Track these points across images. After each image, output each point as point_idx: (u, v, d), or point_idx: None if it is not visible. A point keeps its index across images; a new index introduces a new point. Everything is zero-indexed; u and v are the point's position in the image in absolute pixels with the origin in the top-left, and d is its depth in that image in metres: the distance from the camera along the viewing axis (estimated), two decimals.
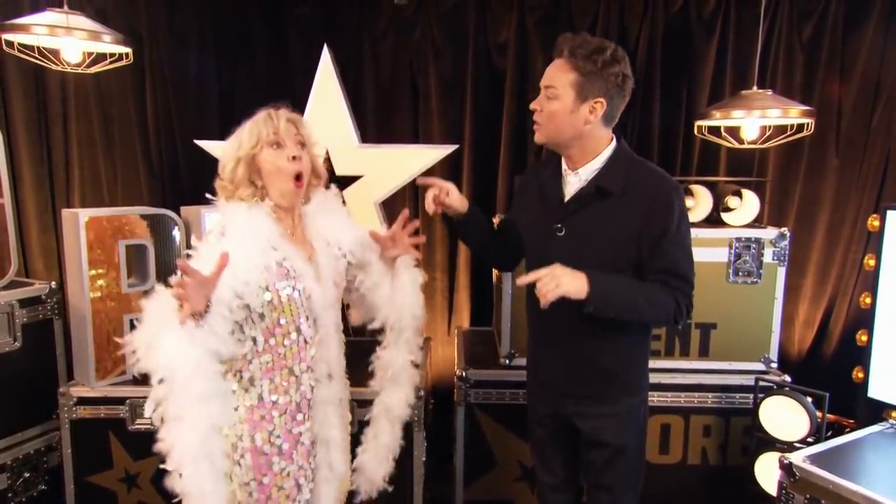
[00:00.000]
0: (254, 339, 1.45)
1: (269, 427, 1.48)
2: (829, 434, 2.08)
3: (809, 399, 2.10)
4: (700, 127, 2.59)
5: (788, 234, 2.35)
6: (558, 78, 1.51)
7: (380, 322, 1.68)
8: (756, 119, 2.44)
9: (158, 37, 2.89)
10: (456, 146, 2.58)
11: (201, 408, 1.29)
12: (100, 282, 2.19)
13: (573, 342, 1.62)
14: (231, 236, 1.40)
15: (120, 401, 2.24)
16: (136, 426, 2.24)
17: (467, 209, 1.68)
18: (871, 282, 2.04)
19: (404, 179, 2.54)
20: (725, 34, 2.86)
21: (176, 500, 1.33)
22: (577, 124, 1.52)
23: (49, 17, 2.09)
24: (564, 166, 1.62)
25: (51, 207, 2.96)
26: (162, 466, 1.30)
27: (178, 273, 1.24)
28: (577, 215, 1.57)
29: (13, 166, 2.82)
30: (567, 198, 1.59)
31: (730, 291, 2.35)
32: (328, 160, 2.53)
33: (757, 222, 2.49)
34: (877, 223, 2.03)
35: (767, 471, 2.17)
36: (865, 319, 2.06)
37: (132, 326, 2.25)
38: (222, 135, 2.92)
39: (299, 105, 2.52)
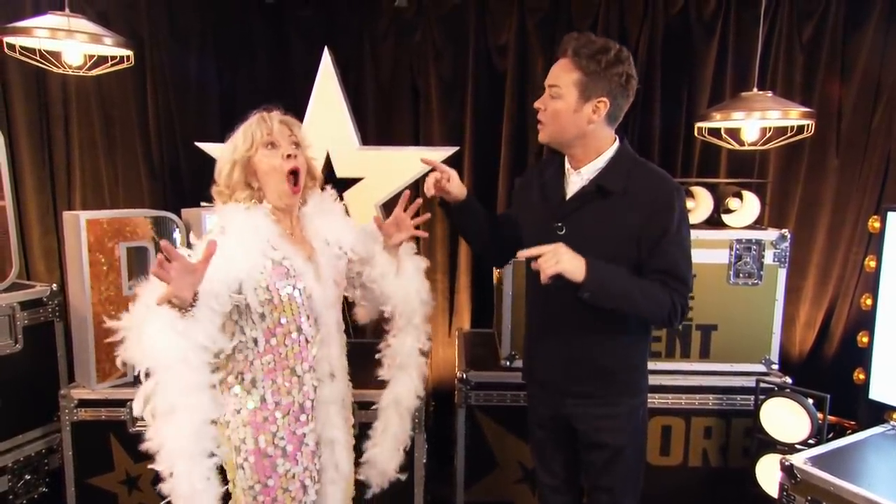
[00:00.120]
0: (255, 340, 1.45)
1: (273, 429, 1.47)
2: (830, 436, 2.08)
3: (810, 401, 2.10)
4: (700, 128, 2.59)
5: (789, 236, 2.35)
6: (562, 77, 1.52)
7: (389, 310, 1.69)
8: (756, 120, 2.44)
9: (159, 39, 2.90)
10: (456, 148, 2.59)
11: (190, 400, 1.27)
12: (101, 284, 2.19)
13: (571, 338, 1.62)
14: (230, 234, 1.40)
15: (121, 403, 2.24)
16: (137, 428, 2.24)
17: (465, 196, 1.69)
18: (871, 283, 2.04)
19: (405, 181, 2.54)
20: (725, 35, 2.86)
21: (165, 500, 1.30)
22: (580, 123, 1.52)
23: (50, 19, 2.10)
24: (567, 165, 1.63)
25: (52, 210, 2.96)
26: (151, 467, 1.28)
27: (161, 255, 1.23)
28: (577, 214, 1.57)
29: (15, 169, 2.82)
30: (568, 196, 1.60)
31: (730, 293, 2.35)
32: (328, 162, 2.53)
33: (757, 224, 2.49)
34: (877, 224, 2.03)
35: (768, 473, 2.17)
36: (866, 321, 2.06)
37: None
38: (223, 137, 2.92)
39: (300, 107, 2.55)
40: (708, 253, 2.33)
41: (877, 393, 2.03)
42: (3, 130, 2.49)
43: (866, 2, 2.78)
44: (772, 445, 2.18)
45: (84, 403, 2.25)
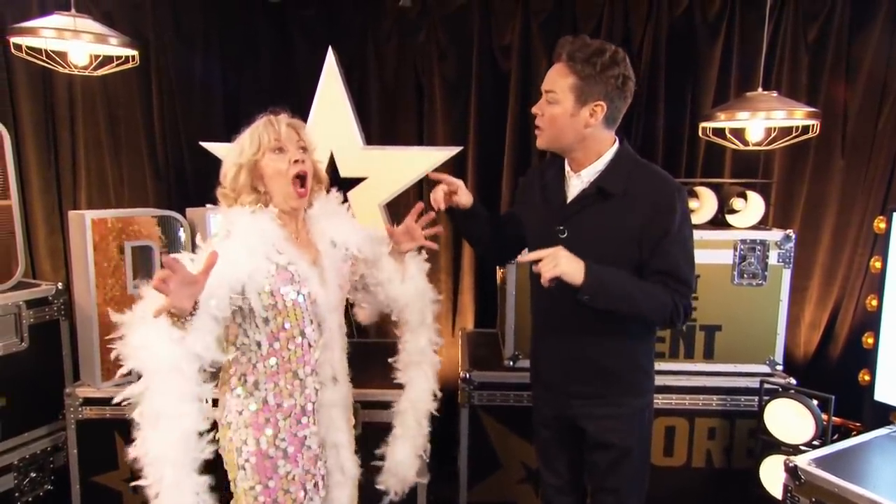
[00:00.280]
0: (258, 343, 1.46)
1: (274, 430, 1.48)
2: (835, 437, 2.07)
3: (815, 402, 2.09)
4: (705, 129, 2.58)
5: (794, 236, 2.34)
6: (558, 82, 1.51)
7: (396, 315, 1.70)
8: (761, 121, 2.43)
9: (164, 40, 2.91)
10: (460, 148, 2.59)
11: (178, 409, 1.25)
12: (106, 283, 2.20)
13: (575, 340, 1.62)
14: (235, 238, 1.40)
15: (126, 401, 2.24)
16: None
17: (472, 204, 1.70)
18: (877, 284, 2.03)
19: (409, 181, 2.55)
20: (730, 36, 2.85)
21: None
22: (577, 128, 1.52)
23: (56, 20, 2.11)
24: (567, 168, 1.63)
25: (58, 209, 2.98)
26: (135, 484, 1.25)
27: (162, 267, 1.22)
28: (578, 217, 1.57)
29: (21, 168, 2.84)
30: (569, 199, 1.60)
31: (735, 293, 2.34)
32: (332, 162, 2.54)
33: (762, 224, 2.48)
34: (883, 225, 2.02)
35: (772, 474, 2.16)
36: (872, 322, 2.05)
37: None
38: (228, 137, 2.92)
39: (304, 107, 2.55)
40: (712, 253, 2.32)
41: (882, 394, 2.02)
42: (10, 130, 2.50)
43: (872, 3, 2.76)
44: (776, 447, 2.17)
45: (89, 402, 2.26)
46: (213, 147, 2.55)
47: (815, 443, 2.08)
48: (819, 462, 1.76)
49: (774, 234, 2.34)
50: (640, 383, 1.68)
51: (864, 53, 2.81)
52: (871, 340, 2.05)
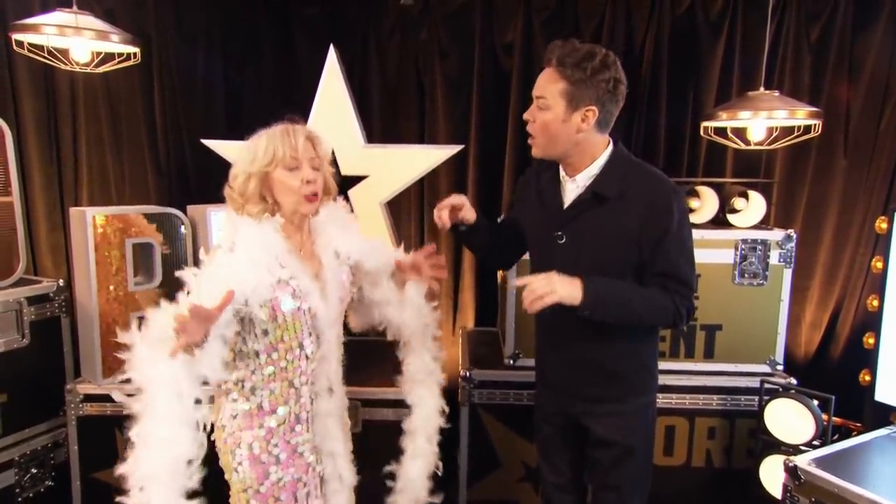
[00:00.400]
0: (256, 353, 1.46)
1: (267, 436, 1.48)
2: (835, 437, 2.07)
3: (815, 402, 2.09)
4: (706, 128, 2.58)
5: (795, 236, 2.34)
6: (548, 88, 1.50)
7: (393, 334, 1.70)
8: (763, 120, 2.43)
9: (166, 37, 2.91)
10: (461, 146, 2.58)
11: (171, 433, 1.25)
12: (107, 280, 2.21)
13: (579, 346, 1.62)
14: (240, 251, 1.39)
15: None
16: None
17: (475, 220, 1.69)
18: (878, 284, 2.03)
19: (410, 179, 2.54)
20: (732, 35, 2.85)
21: None
22: (570, 133, 1.51)
23: (58, 17, 2.11)
24: (562, 173, 1.62)
25: (59, 206, 2.98)
26: (120, 500, 1.24)
27: (181, 302, 1.24)
28: (576, 222, 1.57)
29: (23, 165, 2.84)
30: (566, 204, 1.59)
31: (735, 293, 2.34)
32: (333, 159, 2.53)
33: (763, 224, 2.48)
34: (885, 225, 2.02)
35: (772, 474, 2.16)
36: (873, 322, 2.05)
37: (139, 325, 2.27)
38: (229, 134, 2.94)
39: (305, 105, 2.55)
40: (713, 253, 2.32)
41: (883, 394, 2.02)
42: (12, 126, 2.50)
43: (875, 3, 2.76)
44: (776, 446, 2.17)
45: (90, 398, 2.27)
46: (215, 144, 2.55)
47: (815, 443, 2.07)
48: (819, 462, 1.76)
49: (775, 234, 2.34)
50: (645, 382, 1.69)
51: (866, 53, 2.80)
52: (871, 341, 2.05)
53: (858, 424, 2.16)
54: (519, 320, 2.37)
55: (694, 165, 2.96)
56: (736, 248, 2.34)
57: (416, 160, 2.53)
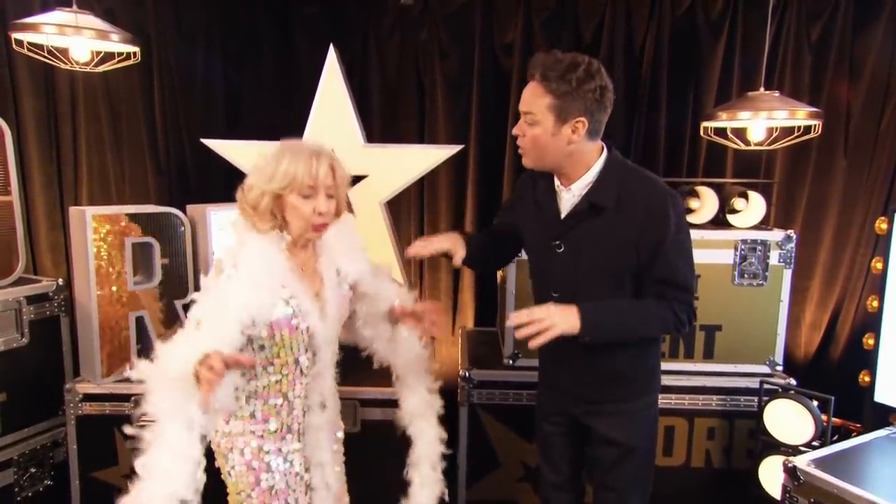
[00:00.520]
0: (252, 366, 1.46)
1: (259, 443, 1.49)
2: (834, 438, 2.07)
3: (815, 402, 2.09)
4: (706, 128, 2.58)
5: (795, 237, 2.34)
6: (535, 103, 1.48)
7: (378, 365, 1.71)
8: (763, 120, 2.43)
9: (166, 36, 2.91)
10: (461, 146, 2.58)
11: (180, 468, 1.24)
12: (106, 279, 2.21)
13: (582, 350, 1.61)
14: (242, 272, 1.38)
15: (125, 398, 2.25)
16: (142, 423, 2.25)
17: (467, 251, 1.66)
18: (878, 285, 2.03)
19: (409, 179, 2.54)
20: (733, 35, 2.84)
21: None
22: (560, 146, 1.50)
23: (58, 16, 2.11)
24: (557, 182, 1.60)
25: (59, 205, 2.98)
26: None
27: (190, 332, 1.26)
28: (574, 231, 1.57)
29: (23, 164, 2.84)
30: (563, 214, 1.59)
31: (735, 293, 2.34)
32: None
33: (763, 224, 2.48)
34: (884, 226, 2.02)
35: (772, 474, 2.16)
36: (872, 323, 2.05)
37: (138, 325, 2.28)
38: (229, 133, 2.94)
39: (305, 104, 2.55)
40: (713, 253, 2.32)
41: (882, 395, 2.02)
42: (11, 126, 2.50)
43: (875, 2, 2.75)
44: (775, 447, 2.17)
45: (89, 398, 2.26)
46: (215, 144, 2.55)
47: (814, 443, 2.07)
48: (818, 463, 1.75)
49: (775, 235, 2.34)
50: (648, 383, 1.69)
51: (867, 53, 2.80)
52: (871, 341, 2.04)
53: (858, 425, 2.15)
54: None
55: (694, 166, 2.96)
56: (736, 249, 2.33)
57: (415, 160, 2.53)
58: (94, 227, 2.16)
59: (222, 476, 1.53)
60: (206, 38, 2.98)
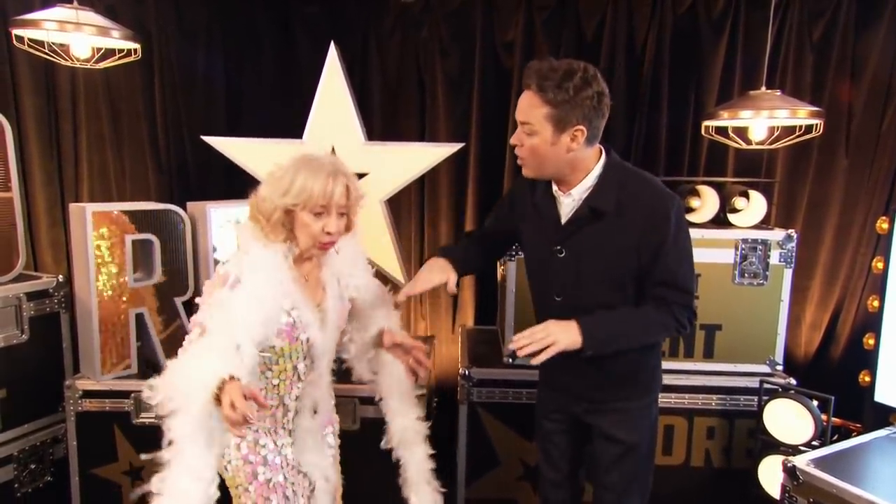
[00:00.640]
0: None
1: (255, 436, 1.50)
2: (834, 438, 2.06)
3: (815, 402, 2.09)
4: (707, 127, 2.57)
5: (795, 236, 2.33)
6: (532, 113, 1.46)
7: (356, 378, 1.72)
8: (764, 119, 2.42)
9: (167, 33, 2.91)
10: (462, 145, 2.58)
11: (197, 488, 1.27)
12: (106, 276, 2.21)
13: (578, 355, 1.61)
14: (246, 285, 1.38)
15: (125, 394, 2.25)
16: (141, 420, 2.26)
17: (458, 272, 1.65)
18: (879, 285, 2.03)
19: (410, 177, 2.54)
20: (734, 34, 2.84)
21: None
22: (559, 154, 1.48)
23: (59, 12, 2.11)
24: (555, 188, 1.59)
25: (60, 202, 2.98)
26: None
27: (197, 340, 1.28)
28: (575, 236, 1.56)
29: (23, 161, 2.85)
30: (563, 219, 1.58)
31: (735, 293, 2.34)
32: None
33: (764, 224, 2.47)
34: (885, 226, 2.02)
35: (771, 474, 2.15)
36: (873, 323, 2.05)
37: (138, 321, 2.28)
38: (230, 131, 2.94)
39: (306, 102, 2.55)
40: (713, 252, 2.32)
41: (882, 395, 2.02)
42: (12, 122, 2.50)
43: (878, 2, 2.74)
44: (775, 447, 2.16)
45: (88, 394, 2.27)
46: (215, 141, 2.55)
47: (814, 443, 2.07)
48: (817, 463, 1.75)
49: (776, 234, 2.34)
50: (649, 382, 1.70)
51: (869, 53, 2.79)
52: (871, 341, 2.04)
53: (858, 425, 2.15)
54: (518, 319, 2.36)
55: (695, 165, 2.95)
56: (736, 248, 2.33)
57: (416, 158, 2.52)
58: (94, 223, 2.16)
59: (219, 470, 1.52)
60: (207, 35, 2.97)
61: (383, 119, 3.02)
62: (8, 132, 2.33)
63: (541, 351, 1.45)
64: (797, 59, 2.84)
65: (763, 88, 2.43)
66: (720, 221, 2.46)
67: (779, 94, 2.42)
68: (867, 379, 2.05)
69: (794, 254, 2.33)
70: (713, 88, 2.88)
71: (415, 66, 2.99)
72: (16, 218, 2.35)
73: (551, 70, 1.43)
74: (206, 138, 2.57)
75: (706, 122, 2.56)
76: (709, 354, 2.39)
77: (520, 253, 2.28)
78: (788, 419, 2.14)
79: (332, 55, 2.50)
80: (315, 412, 1.59)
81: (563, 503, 1.82)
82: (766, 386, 2.22)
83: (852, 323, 2.93)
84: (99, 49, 2.35)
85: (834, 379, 2.72)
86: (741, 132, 2.60)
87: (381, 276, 2.24)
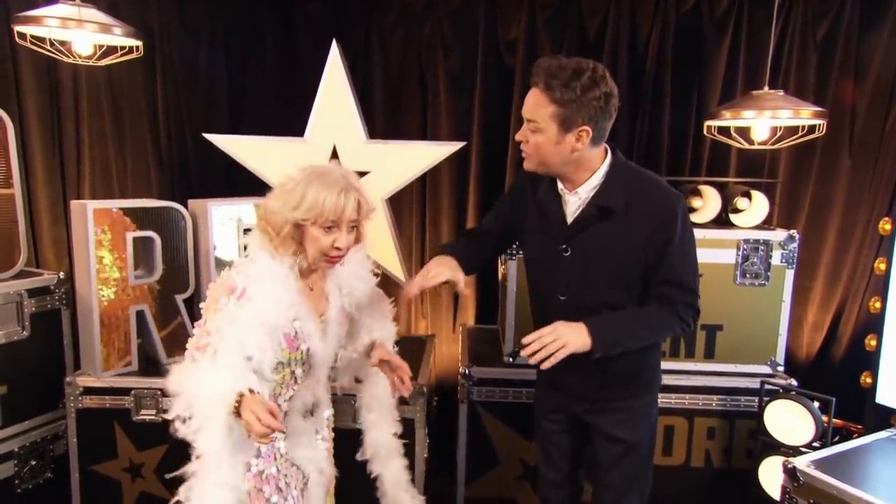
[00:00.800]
0: None
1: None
2: (835, 439, 2.06)
3: (816, 403, 2.08)
4: (710, 127, 2.56)
5: (797, 237, 2.33)
6: (538, 112, 1.45)
7: (339, 389, 1.74)
8: (767, 119, 2.41)
9: (169, 30, 2.91)
10: (463, 143, 2.57)
11: (220, 495, 1.31)
12: (107, 273, 2.21)
13: (586, 356, 1.60)
14: (252, 297, 1.37)
15: (125, 391, 2.26)
16: (141, 417, 2.26)
17: (464, 272, 1.65)
18: (881, 286, 2.02)
19: (412, 176, 2.54)
20: (738, 33, 2.83)
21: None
22: (564, 153, 1.47)
23: (61, 9, 2.11)
24: (561, 186, 1.58)
25: (62, 199, 2.99)
26: None
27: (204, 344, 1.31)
28: (581, 236, 1.55)
29: (25, 158, 2.85)
30: (570, 218, 1.57)
31: (737, 293, 2.33)
32: (335, 155, 2.53)
33: (766, 224, 2.47)
34: (888, 227, 2.01)
35: (771, 475, 2.15)
36: (875, 324, 2.04)
37: (138, 319, 2.28)
38: (232, 129, 2.94)
39: (308, 99, 2.55)
40: (715, 252, 2.31)
41: (884, 397, 2.01)
42: (14, 119, 2.50)
43: (882, 2, 2.73)
44: (775, 448, 2.16)
45: (89, 391, 2.27)
46: (217, 139, 2.55)
47: (814, 444, 2.07)
48: (818, 464, 1.75)
49: (778, 235, 2.33)
50: (649, 382, 1.70)
51: (872, 53, 2.78)
52: (873, 343, 2.04)
53: (859, 427, 2.15)
54: (519, 318, 2.36)
55: (697, 164, 2.94)
56: (738, 248, 2.32)
57: (417, 156, 2.52)
58: (95, 220, 2.16)
59: None
60: (209, 32, 2.97)
61: (385, 116, 3.01)
62: (10, 129, 2.33)
63: (551, 355, 1.44)
64: (800, 58, 2.83)
65: (766, 88, 2.42)
66: (722, 221, 2.46)
67: (782, 93, 2.41)
68: (868, 380, 2.04)
69: (796, 254, 2.33)
70: (716, 88, 2.87)
71: (417, 64, 2.98)
72: (17, 215, 2.36)
73: (559, 68, 1.41)
74: (208, 136, 2.57)
75: (708, 122, 2.55)
76: (710, 355, 2.38)
77: (520, 252, 2.28)
78: (789, 420, 2.13)
79: (334, 53, 2.50)
80: (312, 414, 1.60)
81: (562, 503, 1.82)
82: (767, 387, 2.22)
83: (854, 324, 2.93)
84: (101, 46, 2.35)
85: (835, 380, 2.72)
86: (744, 132, 2.59)
87: (384, 276, 2.24)
